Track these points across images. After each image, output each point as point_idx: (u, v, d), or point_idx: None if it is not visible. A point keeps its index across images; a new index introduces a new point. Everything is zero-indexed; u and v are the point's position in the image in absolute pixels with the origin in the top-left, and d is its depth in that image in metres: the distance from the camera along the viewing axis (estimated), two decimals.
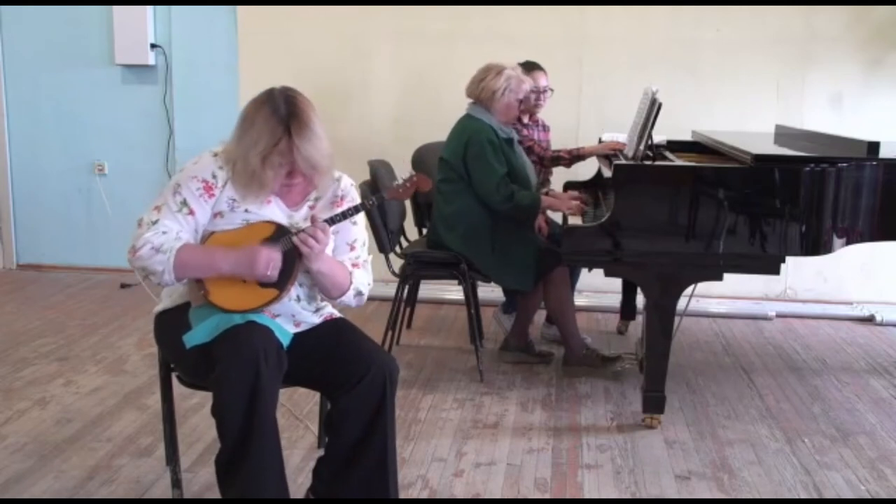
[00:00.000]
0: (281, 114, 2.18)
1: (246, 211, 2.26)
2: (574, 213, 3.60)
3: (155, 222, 2.21)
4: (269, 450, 2.15)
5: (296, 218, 2.32)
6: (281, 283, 2.22)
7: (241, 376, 2.08)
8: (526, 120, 4.14)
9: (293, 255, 2.21)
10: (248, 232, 2.23)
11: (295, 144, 2.16)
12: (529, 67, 3.99)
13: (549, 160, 4.13)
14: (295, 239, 2.19)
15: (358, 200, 2.40)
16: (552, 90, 4.15)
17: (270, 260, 2.17)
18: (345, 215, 2.29)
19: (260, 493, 2.15)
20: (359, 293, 2.38)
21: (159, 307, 2.41)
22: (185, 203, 2.22)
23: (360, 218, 2.42)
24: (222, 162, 2.26)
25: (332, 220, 2.27)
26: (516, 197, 3.57)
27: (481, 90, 3.71)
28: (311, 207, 2.35)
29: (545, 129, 4.26)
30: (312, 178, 2.26)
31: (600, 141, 4.27)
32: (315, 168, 2.22)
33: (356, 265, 2.39)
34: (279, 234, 2.22)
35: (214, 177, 2.25)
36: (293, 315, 2.34)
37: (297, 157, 2.17)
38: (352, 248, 2.40)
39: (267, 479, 2.16)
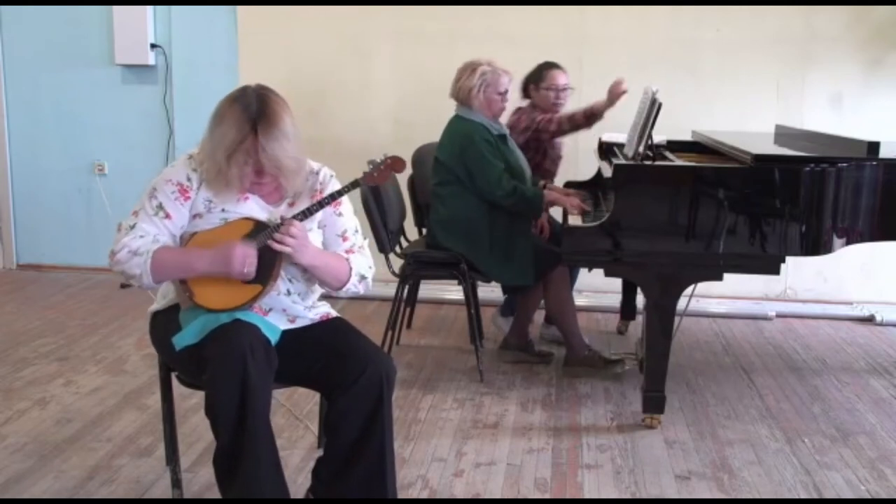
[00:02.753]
0: (250, 111, 2.17)
1: (223, 210, 2.26)
2: (575, 212, 3.60)
3: (133, 227, 2.23)
4: (263, 447, 2.15)
5: (276, 214, 2.30)
6: (264, 278, 2.22)
7: (230, 375, 2.08)
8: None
9: (274, 249, 2.20)
10: (227, 230, 2.23)
11: (260, 143, 2.15)
12: (547, 67, 4.01)
13: (567, 121, 3.97)
14: (271, 243, 2.17)
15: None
16: (572, 88, 4.12)
17: (246, 257, 2.16)
18: (321, 204, 2.27)
19: (259, 492, 2.15)
20: (362, 277, 2.38)
21: (153, 307, 2.42)
22: (160, 207, 2.24)
23: (347, 206, 2.41)
24: (196, 164, 2.27)
25: (308, 212, 2.25)
26: (519, 190, 3.57)
27: (458, 90, 3.69)
28: (291, 204, 2.33)
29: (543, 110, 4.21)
30: (278, 178, 2.23)
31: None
32: (280, 168, 2.20)
33: (351, 251, 2.38)
34: (258, 230, 2.21)
35: (189, 179, 2.26)
36: (285, 310, 2.34)
37: (261, 155, 2.16)
38: (344, 239, 2.39)
39: (263, 477, 2.16)
